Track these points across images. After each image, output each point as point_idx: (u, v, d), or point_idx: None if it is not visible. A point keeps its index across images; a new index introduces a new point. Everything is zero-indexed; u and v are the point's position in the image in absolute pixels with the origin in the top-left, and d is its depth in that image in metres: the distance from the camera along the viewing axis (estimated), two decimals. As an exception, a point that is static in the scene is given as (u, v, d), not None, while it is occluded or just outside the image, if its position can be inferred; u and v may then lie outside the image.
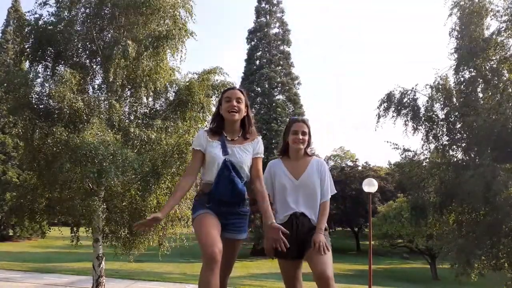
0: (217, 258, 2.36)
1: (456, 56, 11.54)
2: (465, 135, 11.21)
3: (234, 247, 2.72)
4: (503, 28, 10.80)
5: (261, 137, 2.89)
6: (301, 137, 2.87)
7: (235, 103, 2.70)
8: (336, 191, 2.96)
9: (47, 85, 9.09)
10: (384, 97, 11.89)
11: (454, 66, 11.53)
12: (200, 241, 2.45)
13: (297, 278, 2.89)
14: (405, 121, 11.71)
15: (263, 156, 2.82)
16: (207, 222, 2.54)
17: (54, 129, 8.15)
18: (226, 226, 2.63)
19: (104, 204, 9.26)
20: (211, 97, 9.60)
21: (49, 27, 9.40)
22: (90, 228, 9.32)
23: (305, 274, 2.90)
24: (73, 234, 9.76)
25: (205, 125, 9.35)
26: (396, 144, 11.73)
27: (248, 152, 2.73)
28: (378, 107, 11.87)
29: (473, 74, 11.32)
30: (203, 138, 2.73)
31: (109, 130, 8.57)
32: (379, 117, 11.82)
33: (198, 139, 2.75)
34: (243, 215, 2.70)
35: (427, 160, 12.10)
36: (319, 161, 2.96)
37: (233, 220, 2.65)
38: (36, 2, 9.46)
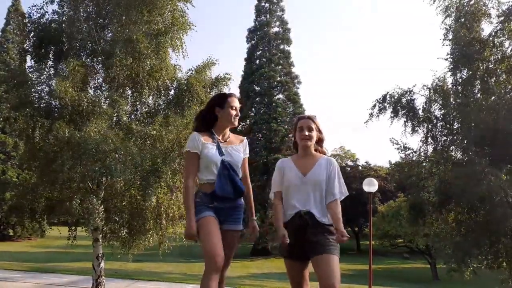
0: (221, 267, 2.64)
1: (452, 57, 11.53)
2: (463, 133, 11.21)
3: (233, 238, 2.89)
4: (499, 28, 10.79)
5: (246, 138, 3.14)
6: (306, 133, 2.83)
7: (238, 113, 2.98)
8: (348, 193, 2.86)
9: (51, 82, 9.08)
10: (380, 98, 11.90)
11: (451, 67, 11.53)
12: (206, 249, 2.65)
13: (304, 278, 2.82)
14: (404, 121, 11.71)
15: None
16: (212, 229, 2.71)
17: (57, 125, 8.10)
18: (227, 219, 2.84)
19: (103, 204, 9.24)
20: (210, 92, 9.54)
21: (53, 25, 9.40)
22: (89, 228, 9.30)
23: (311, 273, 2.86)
24: (70, 232, 9.75)
25: None
26: (397, 143, 11.72)
27: (240, 152, 2.96)
28: (372, 108, 11.89)
29: (469, 75, 11.30)
30: (198, 140, 2.87)
31: (112, 126, 8.59)
32: (371, 116, 11.86)
33: (193, 142, 2.88)
34: (240, 207, 2.94)
35: (427, 160, 12.09)
36: (329, 160, 2.87)
37: (232, 212, 2.88)
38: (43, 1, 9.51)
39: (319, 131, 2.90)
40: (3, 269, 14.83)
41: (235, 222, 2.88)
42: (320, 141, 2.92)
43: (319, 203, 2.75)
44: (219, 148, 2.86)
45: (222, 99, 2.97)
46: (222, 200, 2.79)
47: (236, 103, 2.97)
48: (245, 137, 3.12)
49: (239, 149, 2.95)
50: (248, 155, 3.05)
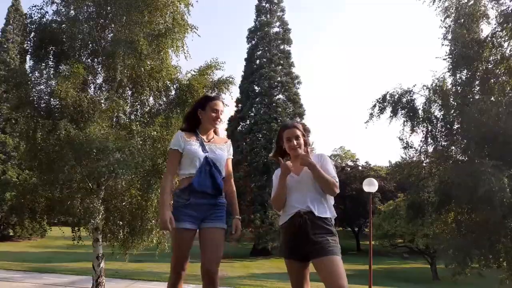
0: (182, 277, 2.92)
1: (451, 57, 11.54)
2: (463, 134, 11.22)
3: (216, 235, 2.93)
4: (497, 29, 10.81)
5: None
6: (295, 142, 2.89)
7: (220, 116, 3.05)
8: (338, 182, 2.89)
9: (51, 82, 9.07)
10: (380, 98, 11.92)
11: (451, 67, 11.54)
12: (175, 257, 2.91)
13: (304, 278, 2.84)
14: (404, 121, 11.73)
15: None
16: (185, 242, 2.88)
17: (61, 125, 8.09)
18: (208, 217, 2.91)
19: (104, 204, 9.24)
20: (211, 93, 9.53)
21: (53, 25, 9.41)
22: (88, 228, 9.29)
23: (312, 273, 2.86)
24: (74, 233, 9.77)
25: None
26: (403, 141, 11.74)
27: (224, 151, 3.05)
28: (372, 108, 11.91)
29: (469, 75, 11.31)
30: (181, 139, 2.97)
31: (113, 126, 8.59)
32: (371, 116, 11.88)
33: (176, 140, 2.98)
34: (222, 206, 2.98)
35: (427, 159, 12.11)
36: (319, 155, 2.95)
37: (213, 211, 2.93)
38: (43, 1, 9.51)
39: (304, 135, 2.96)
40: (3, 269, 14.84)
41: (217, 220, 2.92)
42: (305, 144, 2.97)
43: (317, 199, 2.78)
44: (202, 145, 2.95)
45: (204, 102, 3.07)
46: (200, 195, 2.86)
47: (219, 106, 3.04)
48: (229, 139, 3.23)
49: (222, 148, 3.05)
50: (232, 157, 3.14)
